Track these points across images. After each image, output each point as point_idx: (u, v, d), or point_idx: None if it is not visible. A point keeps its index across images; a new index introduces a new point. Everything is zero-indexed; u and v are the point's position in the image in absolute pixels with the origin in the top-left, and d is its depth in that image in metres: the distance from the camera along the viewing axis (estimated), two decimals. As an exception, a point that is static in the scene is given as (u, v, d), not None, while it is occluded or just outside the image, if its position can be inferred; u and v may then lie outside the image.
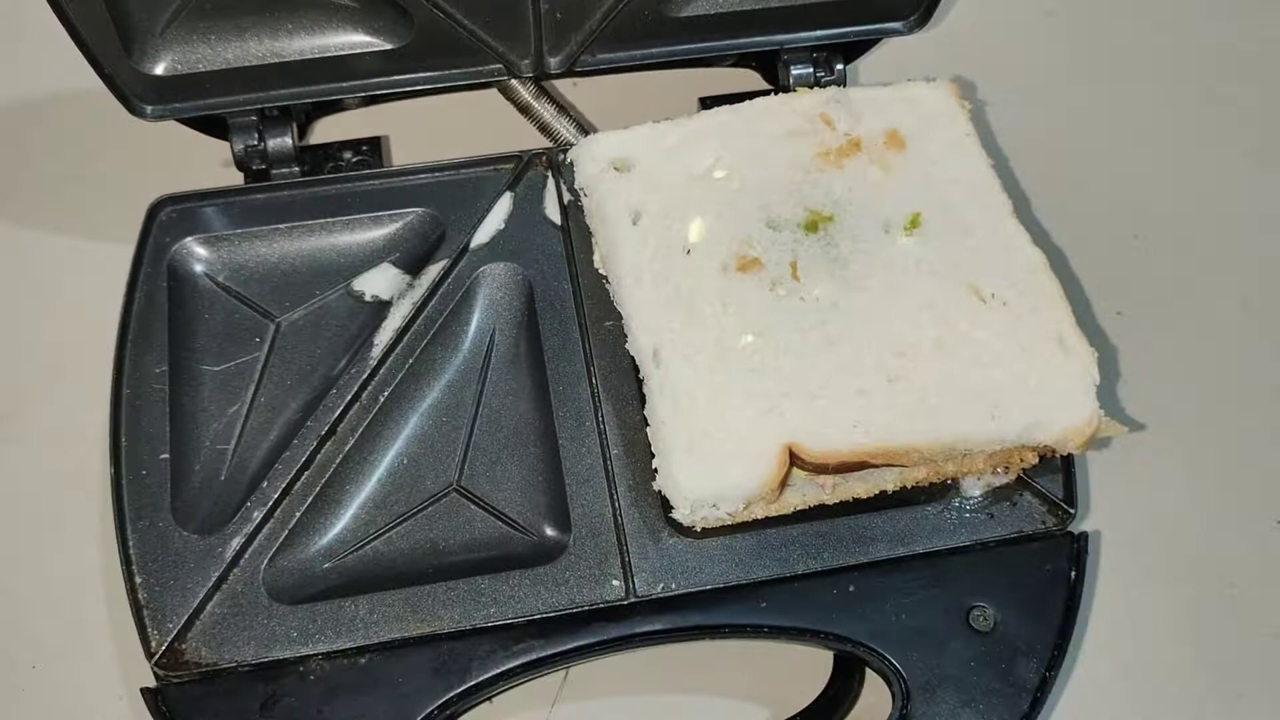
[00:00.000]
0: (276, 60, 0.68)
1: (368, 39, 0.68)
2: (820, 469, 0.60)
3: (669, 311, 0.62)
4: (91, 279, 0.75)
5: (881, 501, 0.62)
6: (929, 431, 0.59)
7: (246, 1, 0.66)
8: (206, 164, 0.78)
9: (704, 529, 0.60)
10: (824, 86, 0.73)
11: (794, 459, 0.59)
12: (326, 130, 0.78)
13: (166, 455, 0.63)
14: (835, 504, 0.62)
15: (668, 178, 0.66)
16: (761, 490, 0.59)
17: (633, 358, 0.64)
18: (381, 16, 0.67)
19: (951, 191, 0.66)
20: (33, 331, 0.74)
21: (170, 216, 0.69)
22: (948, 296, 0.62)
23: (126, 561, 0.60)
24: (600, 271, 0.67)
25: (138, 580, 0.59)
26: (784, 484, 0.60)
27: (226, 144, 0.72)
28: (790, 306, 0.62)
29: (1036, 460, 0.62)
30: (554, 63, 0.71)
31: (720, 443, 0.59)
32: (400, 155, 0.77)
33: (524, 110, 0.74)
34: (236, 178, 0.74)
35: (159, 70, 0.67)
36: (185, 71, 0.68)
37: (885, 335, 0.61)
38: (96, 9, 0.64)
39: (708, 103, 0.76)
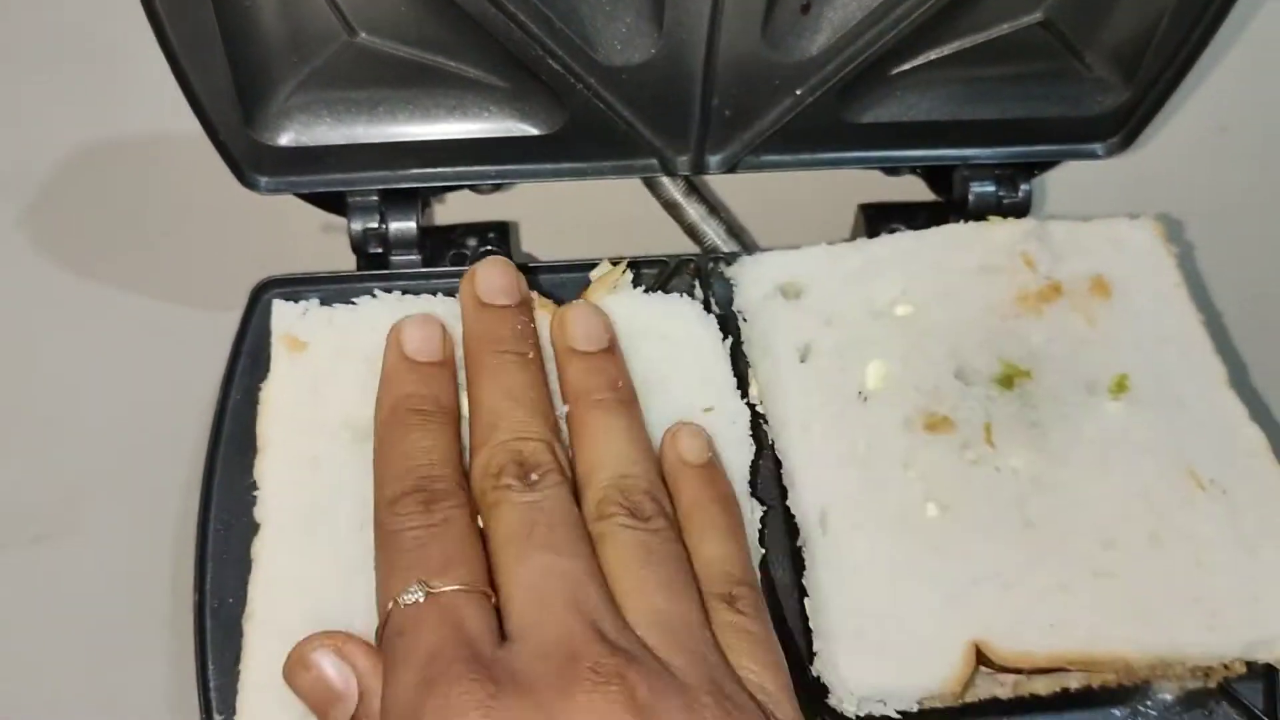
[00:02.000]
0: (411, 140, 0.60)
1: (514, 124, 0.61)
2: (1011, 670, 0.52)
3: (841, 469, 0.55)
4: (173, 348, 0.68)
5: (1062, 701, 0.54)
6: (1138, 640, 0.52)
7: (385, 73, 0.59)
8: (306, 224, 0.71)
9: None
10: (1006, 206, 0.65)
11: (980, 657, 0.52)
12: (451, 208, 0.71)
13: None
14: (1010, 699, 0.54)
15: (843, 310, 0.59)
16: (942, 691, 0.51)
17: (786, 508, 0.56)
18: (533, 101, 0.60)
19: (1161, 352, 0.58)
20: (106, 406, 0.67)
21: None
22: (1164, 481, 0.55)
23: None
24: (757, 409, 0.59)
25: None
26: (968, 685, 0.52)
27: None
28: (982, 477, 0.55)
29: (1245, 670, 0.55)
30: (713, 161, 0.63)
31: (895, 631, 0.52)
32: (530, 244, 0.70)
33: (669, 207, 0.67)
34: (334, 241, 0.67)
35: (280, 142, 0.59)
36: (308, 144, 0.60)
37: (1092, 522, 0.54)
38: (220, 73, 0.56)
39: (870, 211, 0.68)
